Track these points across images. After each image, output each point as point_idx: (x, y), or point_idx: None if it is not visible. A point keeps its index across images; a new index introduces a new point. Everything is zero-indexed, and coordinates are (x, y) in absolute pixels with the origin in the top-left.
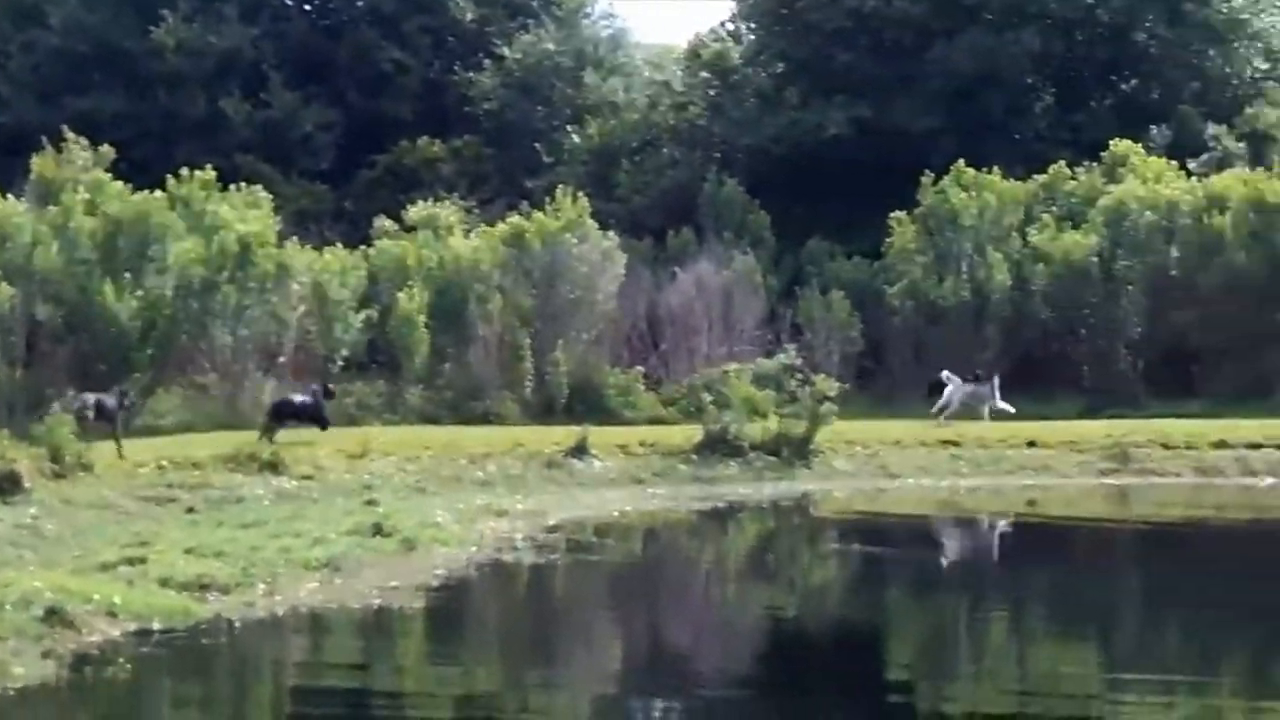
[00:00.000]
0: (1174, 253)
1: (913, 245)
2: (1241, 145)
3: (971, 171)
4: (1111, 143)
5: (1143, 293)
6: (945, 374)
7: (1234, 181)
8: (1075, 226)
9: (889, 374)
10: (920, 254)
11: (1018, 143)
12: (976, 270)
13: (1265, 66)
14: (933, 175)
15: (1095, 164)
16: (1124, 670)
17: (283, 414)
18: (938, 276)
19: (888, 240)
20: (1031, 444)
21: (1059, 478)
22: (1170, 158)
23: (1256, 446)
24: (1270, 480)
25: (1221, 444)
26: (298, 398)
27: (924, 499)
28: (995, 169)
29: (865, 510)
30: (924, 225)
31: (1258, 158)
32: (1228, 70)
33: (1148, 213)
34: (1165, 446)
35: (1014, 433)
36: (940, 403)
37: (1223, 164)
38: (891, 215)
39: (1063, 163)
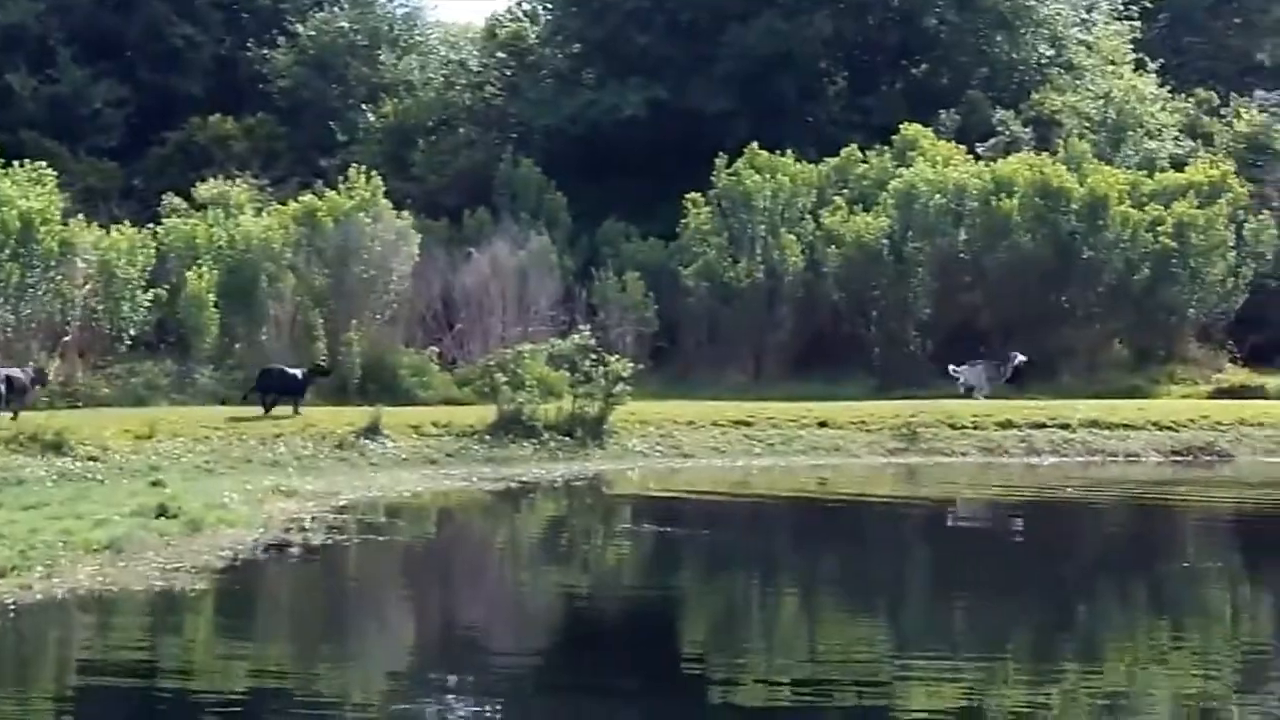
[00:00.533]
0: (962, 235)
1: (707, 227)
2: (1028, 130)
3: (765, 154)
4: (902, 126)
5: (932, 274)
6: (951, 368)
7: (1020, 165)
8: (866, 209)
9: (683, 355)
10: (714, 235)
11: (810, 125)
12: (769, 252)
13: (1050, 53)
14: (727, 157)
15: (886, 147)
16: (911, 645)
17: None
18: (731, 258)
19: (683, 222)
20: (823, 424)
21: (849, 457)
22: (959, 142)
23: (1040, 426)
24: (1052, 459)
25: (1007, 424)
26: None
27: (717, 479)
28: (788, 151)
29: (658, 490)
30: (718, 207)
31: (1043, 142)
32: (1014, 56)
33: (936, 196)
34: (952, 426)
35: (805, 413)
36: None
37: (1009, 148)
38: (686, 197)
39: (854, 146)
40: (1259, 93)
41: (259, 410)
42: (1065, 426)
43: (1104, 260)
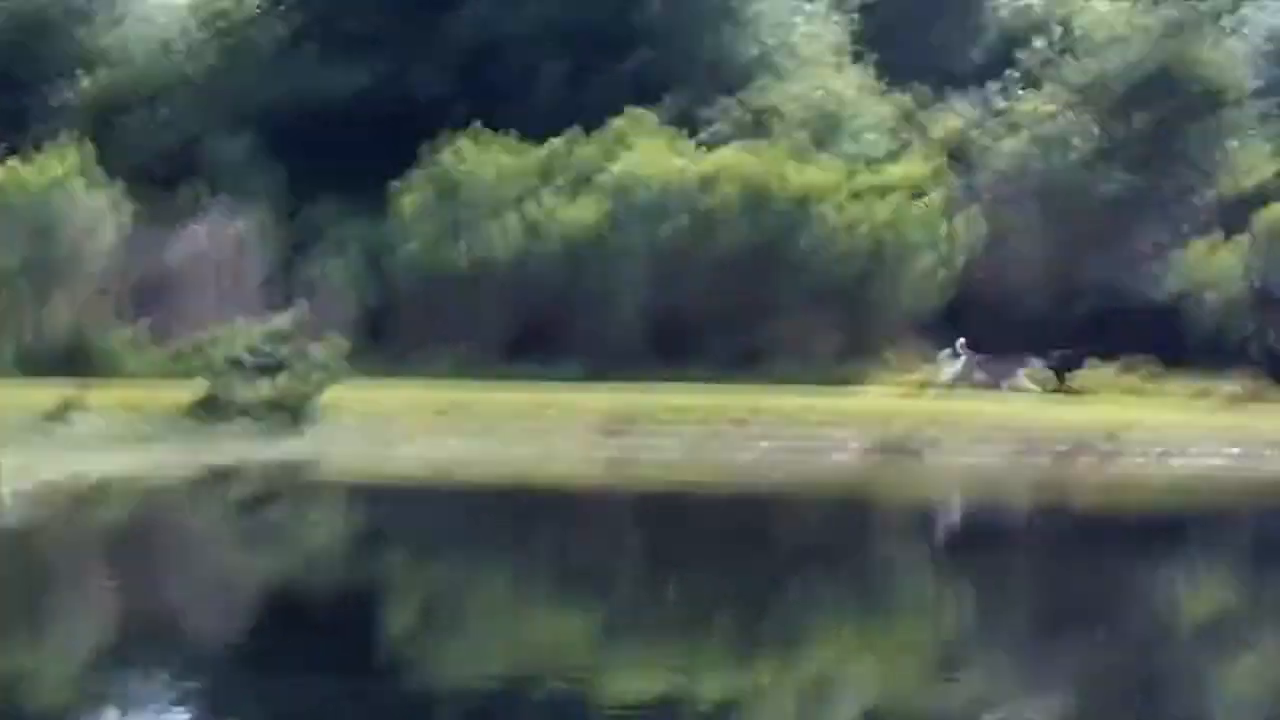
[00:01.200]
0: (677, 225)
1: (423, 208)
2: (743, 122)
3: (482, 137)
4: (619, 114)
5: (647, 264)
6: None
7: (734, 157)
8: (583, 196)
9: (397, 337)
10: (430, 218)
11: (528, 110)
12: (485, 236)
13: (769, 43)
14: (444, 139)
15: (602, 135)
16: (618, 634)
17: None
18: (447, 241)
19: (400, 202)
20: (533, 409)
21: (560, 445)
22: (676, 130)
23: (749, 417)
24: (764, 447)
25: (716, 414)
26: None
27: (427, 465)
28: (505, 136)
29: (367, 475)
30: (434, 189)
31: (757, 135)
32: (732, 47)
33: (651, 186)
34: (662, 417)
35: (517, 399)
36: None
37: (724, 139)
38: (402, 178)
39: (570, 133)
40: (968, 88)
41: None
42: (773, 418)
43: (815, 254)
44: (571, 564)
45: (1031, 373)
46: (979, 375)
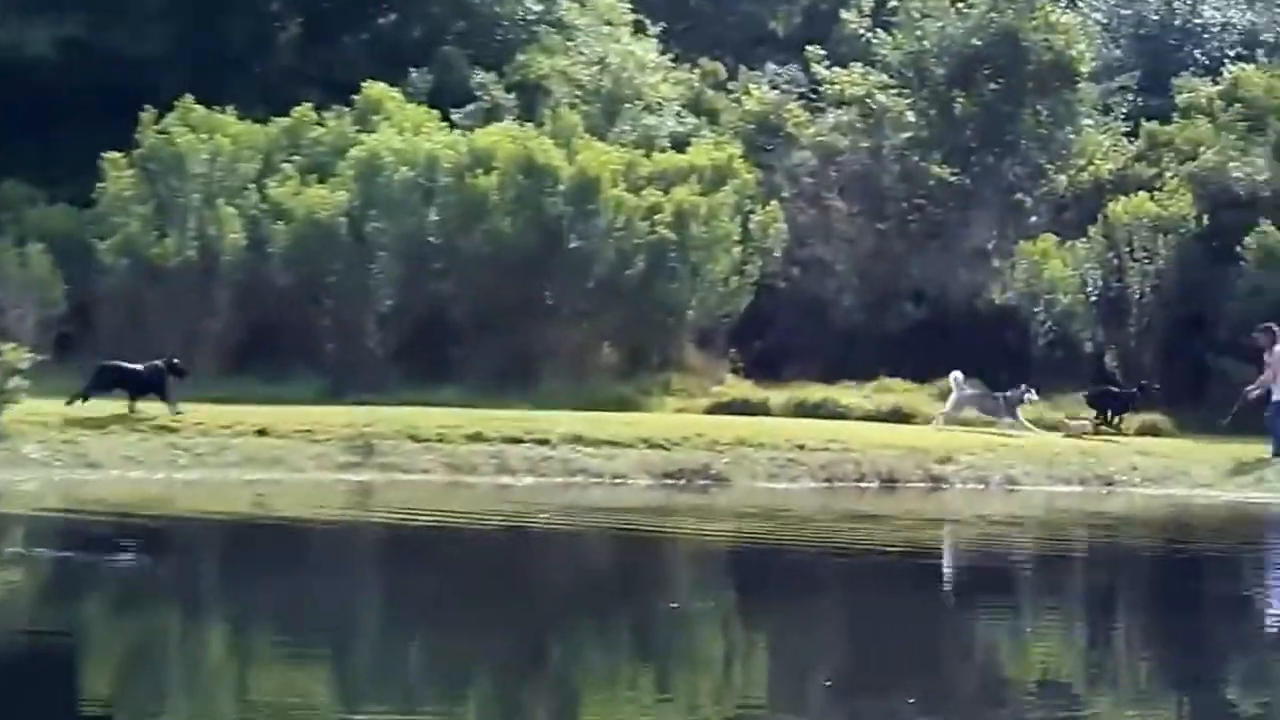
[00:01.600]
0: (433, 215)
1: (130, 193)
2: (511, 96)
3: (202, 109)
4: (365, 85)
5: (397, 259)
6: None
7: (501, 137)
8: (321, 180)
9: (98, 345)
10: (139, 204)
11: (258, 79)
12: (205, 225)
13: (538, 8)
14: (156, 112)
15: (346, 109)
16: (357, 692)
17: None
18: (159, 231)
19: (100, 186)
20: (262, 433)
21: (293, 472)
22: (431, 106)
23: (516, 441)
24: (529, 480)
25: (477, 437)
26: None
27: (133, 494)
28: (231, 108)
29: (60, 506)
30: (144, 170)
31: (528, 112)
32: (497, 10)
33: (404, 168)
34: (414, 439)
35: (241, 418)
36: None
37: (490, 117)
38: (105, 157)
39: (309, 105)
40: (770, 66)
41: None
42: (544, 442)
43: (594, 250)
44: (291, 611)
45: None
46: (971, 412)
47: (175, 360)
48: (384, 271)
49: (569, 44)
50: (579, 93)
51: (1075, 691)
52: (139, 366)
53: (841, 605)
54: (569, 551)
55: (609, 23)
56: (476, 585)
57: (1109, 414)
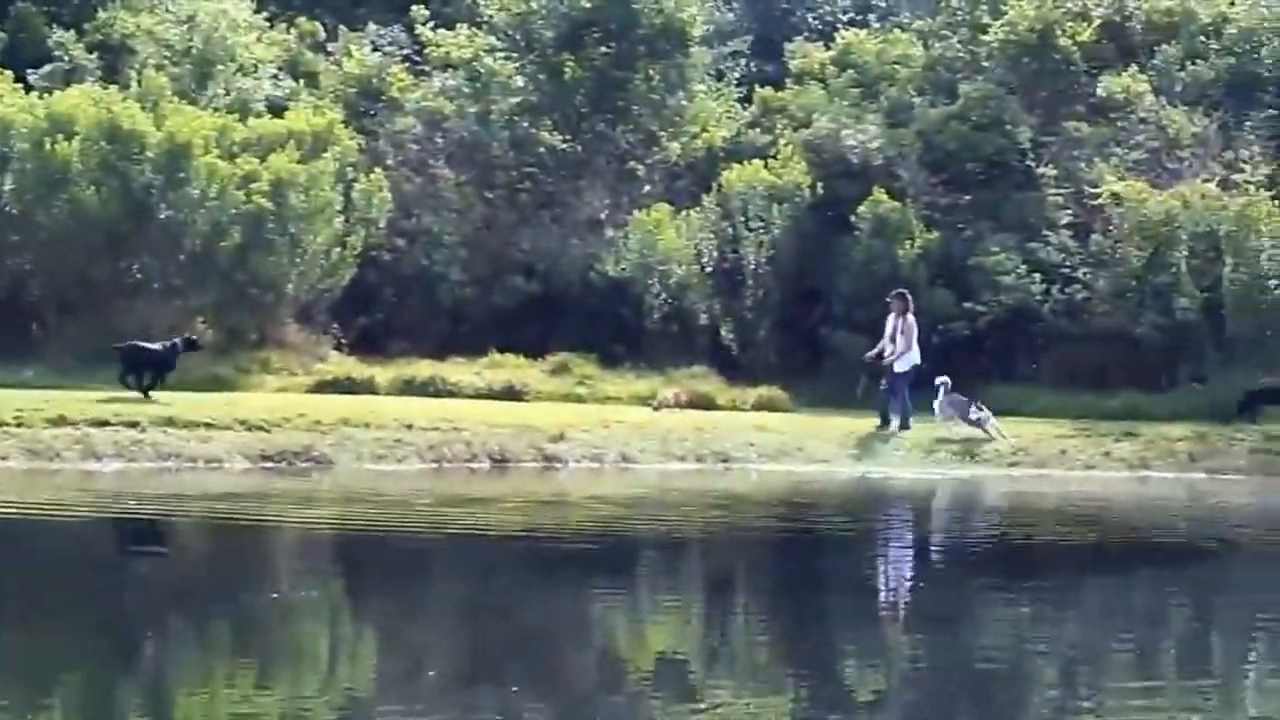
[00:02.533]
0: (9, 184)
1: None
2: (93, 57)
3: None
4: None
5: None
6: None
7: (83, 100)
8: None
9: None
10: None
11: None
12: None
13: None
14: None
15: None
16: None
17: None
18: None
19: None
20: None
21: None
22: (4, 67)
23: (102, 424)
24: (117, 464)
25: (60, 420)
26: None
27: None
28: None
29: None
30: None
31: (112, 74)
32: None
33: None
34: None
35: None
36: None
37: (70, 78)
38: None
39: None
40: (372, 26)
41: None
42: (134, 425)
43: (186, 222)
44: None
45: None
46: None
47: (192, 337)
48: None
49: (155, 2)
50: (167, 53)
51: (685, 674)
52: (158, 346)
53: (447, 593)
54: (156, 541)
55: None
56: (57, 582)
57: None
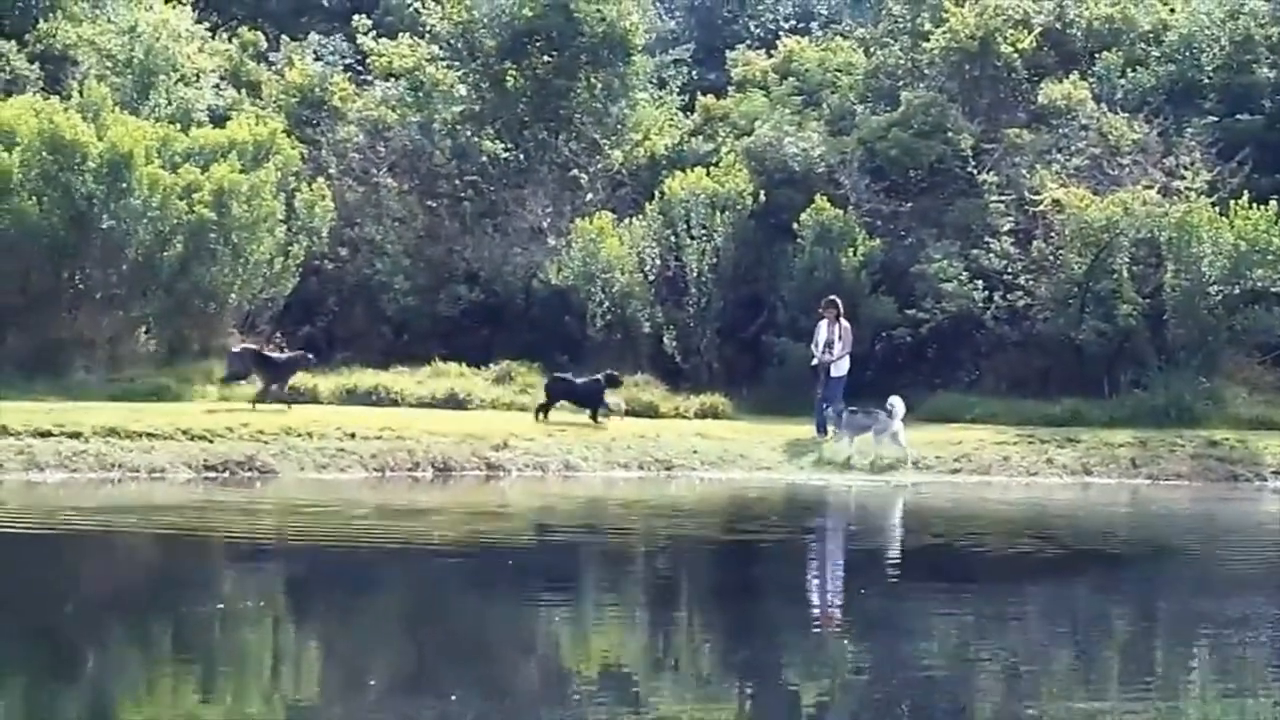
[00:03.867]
0: None
1: None
2: (34, 67)
3: None
4: None
5: None
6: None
7: (24, 111)
8: None
9: None
10: None
11: None
12: None
13: None
14: None
15: None
16: None
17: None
18: None
19: None
20: None
21: None
22: None
23: (45, 435)
24: (60, 475)
25: (2, 431)
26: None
27: None
28: None
29: None
30: None
31: (54, 84)
32: None
33: None
34: None
35: None
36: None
37: (11, 89)
38: None
39: None
40: (315, 36)
41: None
42: (76, 435)
43: (128, 231)
44: None
45: None
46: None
47: (614, 373)
48: None
49: (96, 11)
50: (109, 64)
51: (626, 683)
52: (580, 380)
53: (385, 604)
54: (97, 554)
55: None
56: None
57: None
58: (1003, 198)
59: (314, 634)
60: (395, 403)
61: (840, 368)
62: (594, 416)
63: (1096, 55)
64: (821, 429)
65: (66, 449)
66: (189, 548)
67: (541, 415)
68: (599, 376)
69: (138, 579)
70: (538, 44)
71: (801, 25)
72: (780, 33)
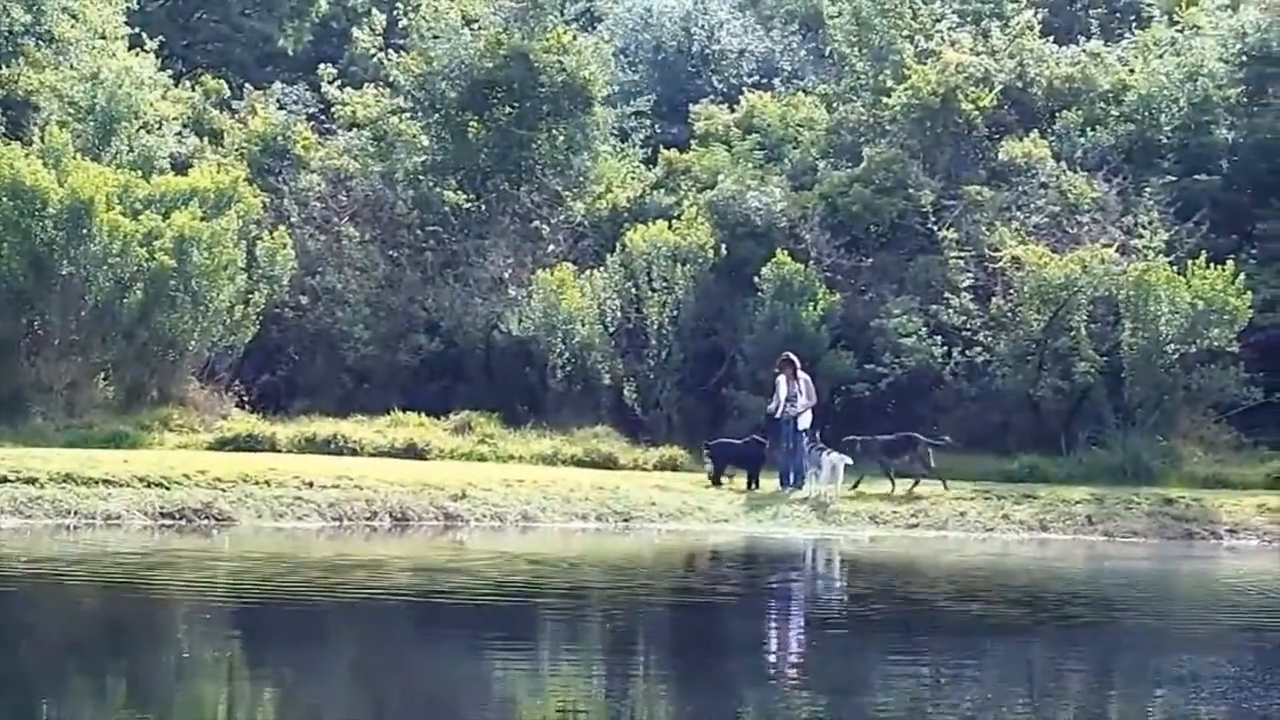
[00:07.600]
0: None
1: None
2: None
3: None
4: None
5: None
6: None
7: None
8: None
9: None
10: None
11: None
12: None
13: (26, 19)
14: None
15: None
16: None
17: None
18: None
19: None
20: None
21: None
22: None
23: (1, 480)
24: (14, 521)
25: None
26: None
27: None
28: None
29: None
30: None
31: (16, 130)
32: None
33: None
34: None
35: None
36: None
37: None
38: None
39: None
40: (279, 85)
41: None
42: (32, 481)
43: (88, 278)
44: None
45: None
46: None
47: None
48: None
49: (59, 58)
50: (70, 110)
51: None
52: (737, 441)
53: (337, 658)
54: (71, 601)
55: (103, 36)
56: None
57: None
58: (962, 254)
59: (265, 688)
60: (354, 452)
61: (805, 420)
62: (752, 481)
63: (1056, 114)
64: (785, 481)
65: (22, 495)
66: (143, 597)
67: (715, 484)
68: (757, 437)
69: (89, 629)
70: (499, 94)
71: (764, 80)
72: (743, 88)
